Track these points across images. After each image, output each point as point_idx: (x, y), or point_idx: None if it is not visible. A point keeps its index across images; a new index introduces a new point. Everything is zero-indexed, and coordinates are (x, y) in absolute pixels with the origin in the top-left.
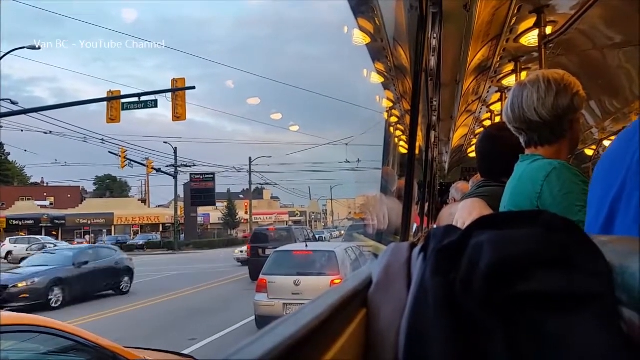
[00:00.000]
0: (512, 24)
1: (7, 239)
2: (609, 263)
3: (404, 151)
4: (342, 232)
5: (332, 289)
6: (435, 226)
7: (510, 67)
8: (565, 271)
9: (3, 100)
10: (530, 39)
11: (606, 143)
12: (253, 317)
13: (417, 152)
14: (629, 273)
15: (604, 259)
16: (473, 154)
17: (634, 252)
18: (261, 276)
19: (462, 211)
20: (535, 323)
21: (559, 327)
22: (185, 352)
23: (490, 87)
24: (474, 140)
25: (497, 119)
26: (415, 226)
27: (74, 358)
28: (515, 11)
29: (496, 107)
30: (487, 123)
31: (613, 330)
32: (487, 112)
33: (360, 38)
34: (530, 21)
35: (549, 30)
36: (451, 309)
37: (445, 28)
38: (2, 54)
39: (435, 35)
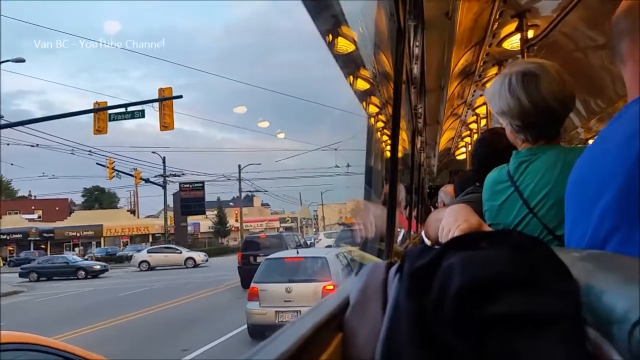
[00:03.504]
0: (494, 29)
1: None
2: (577, 282)
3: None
4: (321, 238)
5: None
6: (423, 232)
7: (494, 70)
8: (532, 292)
9: None
10: (513, 43)
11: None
12: (245, 326)
13: (400, 158)
14: (593, 293)
15: (572, 278)
16: (460, 157)
17: (600, 270)
18: (253, 284)
19: (448, 217)
20: (504, 345)
21: (526, 348)
22: None
23: (475, 91)
24: (461, 143)
25: (483, 122)
26: (403, 231)
27: None
28: (497, 16)
29: (481, 110)
30: (473, 126)
31: (578, 351)
32: (472, 115)
33: (343, 46)
34: (512, 25)
35: (530, 34)
36: (424, 333)
37: (427, 36)
38: None
39: (417, 44)
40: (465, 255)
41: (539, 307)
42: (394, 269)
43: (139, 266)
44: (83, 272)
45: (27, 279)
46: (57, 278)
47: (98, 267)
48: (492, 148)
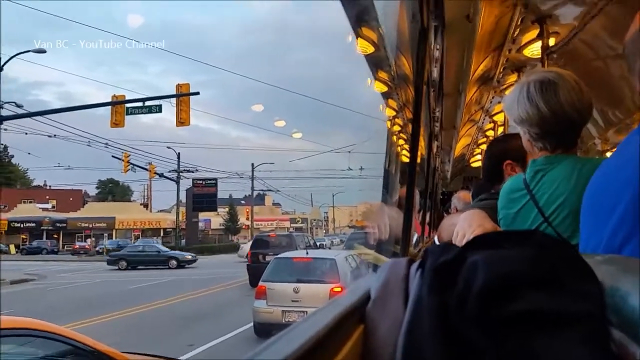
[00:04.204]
0: (514, 34)
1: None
2: (601, 283)
3: (406, 160)
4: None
5: (330, 303)
6: (436, 236)
7: (513, 77)
8: (555, 291)
9: (8, 103)
10: (534, 50)
11: (609, 154)
12: (251, 324)
13: (418, 161)
14: (619, 295)
15: (596, 280)
16: (475, 164)
17: (626, 272)
18: (261, 283)
19: (463, 222)
20: (526, 342)
21: (548, 346)
22: (183, 357)
23: (493, 98)
24: (477, 150)
25: (500, 130)
26: (416, 235)
27: None
28: (518, 22)
29: (499, 118)
30: (490, 133)
31: (600, 350)
32: (490, 122)
33: (363, 47)
34: (534, 32)
35: (552, 41)
36: (446, 328)
37: (447, 39)
38: (9, 57)
39: (437, 47)
40: (489, 253)
41: (561, 306)
42: (415, 265)
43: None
44: (175, 262)
45: (116, 267)
46: (147, 267)
47: (189, 257)
48: (494, 155)
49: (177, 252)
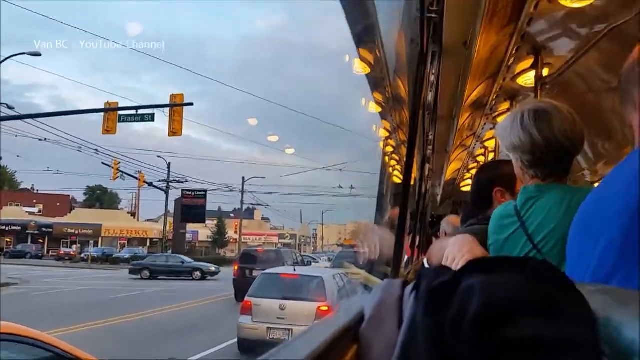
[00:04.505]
0: (510, 63)
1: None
2: (595, 313)
3: (398, 181)
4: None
5: (324, 322)
6: (425, 259)
7: (506, 105)
8: (551, 319)
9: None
10: (527, 79)
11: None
12: (235, 340)
13: (412, 184)
14: (612, 326)
15: (590, 309)
16: (465, 188)
17: (619, 304)
18: (247, 298)
19: (453, 247)
20: None
21: None
22: None
23: (485, 124)
24: (467, 175)
25: (491, 156)
26: (406, 257)
27: None
28: (514, 51)
29: (490, 144)
30: (481, 159)
31: None
32: (481, 148)
33: (360, 68)
34: (528, 62)
35: (545, 72)
36: (440, 351)
37: (444, 64)
38: (3, 58)
39: (434, 71)
40: (484, 277)
41: (556, 334)
42: (409, 287)
43: None
44: (199, 273)
45: (139, 276)
46: (168, 277)
47: (213, 269)
48: (484, 181)
49: (201, 263)
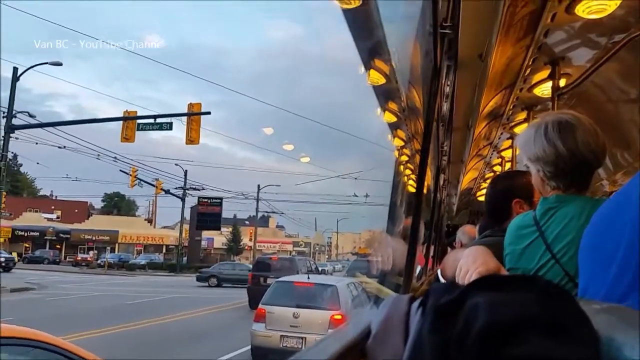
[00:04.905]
0: (526, 74)
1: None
2: (598, 333)
3: (413, 190)
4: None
5: (332, 336)
6: (439, 270)
7: (523, 115)
8: (556, 338)
9: (21, 112)
10: (544, 90)
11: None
12: (249, 347)
13: (425, 194)
14: (614, 345)
15: (593, 329)
16: (482, 198)
17: (622, 323)
18: (260, 305)
19: (467, 259)
20: None
21: None
22: None
23: (502, 134)
24: (484, 185)
25: (508, 165)
26: (419, 268)
27: None
28: (530, 62)
29: (507, 153)
30: (498, 168)
31: None
32: (497, 158)
33: (375, 78)
34: (545, 72)
35: (562, 82)
36: None
37: (459, 76)
38: (25, 68)
39: (449, 83)
40: (490, 295)
41: (562, 353)
42: (416, 303)
43: None
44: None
45: (206, 284)
46: (235, 285)
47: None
48: (501, 192)
49: None
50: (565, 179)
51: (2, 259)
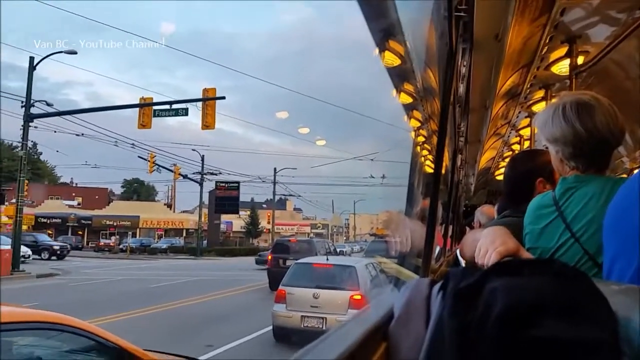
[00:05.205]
0: (543, 53)
1: None
2: (615, 314)
3: (430, 171)
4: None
5: (354, 319)
6: (458, 250)
7: (540, 93)
8: (572, 319)
9: (39, 101)
10: (562, 67)
11: (636, 172)
12: (270, 327)
13: (442, 174)
14: (632, 326)
15: (610, 310)
16: (500, 177)
17: (638, 304)
18: (281, 287)
19: (486, 239)
20: None
21: None
22: (202, 358)
23: (520, 112)
24: (502, 163)
25: (526, 144)
26: (438, 248)
27: (95, 357)
28: (547, 41)
29: (525, 132)
30: (516, 147)
31: None
32: (516, 136)
33: (390, 60)
34: (562, 50)
35: (580, 60)
36: (465, 349)
37: (475, 57)
38: (41, 58)
39: (465, 64)
40: (509, 279)
41: (578, 335)
42: (437, 287)
43: None
44: None
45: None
46: None
47: None
48: (524, 172)
49: None
50: (584, 159)
51: (57, 247)
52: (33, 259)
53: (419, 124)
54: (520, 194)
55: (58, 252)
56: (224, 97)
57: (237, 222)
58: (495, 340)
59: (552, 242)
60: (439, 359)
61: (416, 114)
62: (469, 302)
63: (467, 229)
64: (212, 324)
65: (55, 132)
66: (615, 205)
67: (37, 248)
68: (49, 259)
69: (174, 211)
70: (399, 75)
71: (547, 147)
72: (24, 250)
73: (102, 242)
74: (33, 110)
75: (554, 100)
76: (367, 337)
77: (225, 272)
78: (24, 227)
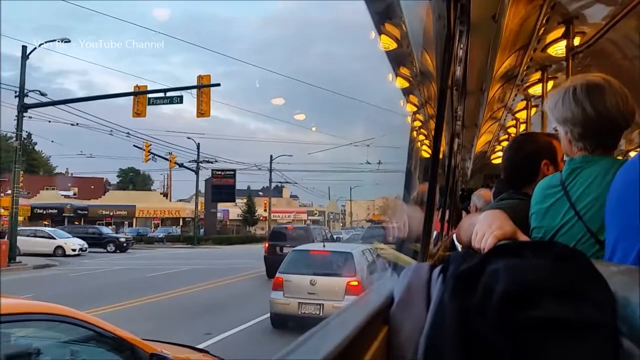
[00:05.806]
0: (540, 34)
1: None
2: (614, 294)
3: (427, 155)
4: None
5: (355, 304)
6: (454, 235)
7: (537, 75)
8: (571, 300)
9: (32, 91)
10: (558, 49)
11: (632, 154)
12: (268, 315)
13: (440, 159)
14: (630, 306)
15: (609, 291)
16: (496, 161)
17: (637, 284)
18: (278, 274)
19: (482, 223)
20: (542, 347)
21: (563, 352)
22: (201, 346)
23: (516, 95)
24: (498, 147)
25: (522, 127)
26: (435, 233)
27: (94, 348)
28: (544, 22)
29: (521, 115)
30: (512, 130)
31: (611, 358)
32: (512, 120)
33: (386, 43)
34: (559, 32)
35: (577, 41)
36: (466, 331)
37: (472, 39)
38: (34, 47)
39: (462, 46)
40: (509, 261)
41: (576, 315)
42: (437, 270)
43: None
44: None
45: None
46: None
47: None
48: (530, 154)
49: None
50: (593, 140)
51: (123, 239)
52: (90, 252)
53: (415, 109)
54: (522, 177)
55: (124, 244)
56: (218, 84)
57: (233, 210)
58: (495, 322)
59: (556, 221)
60: (440, 341)
61: (412, 98)
62: (470, 285)
63: (464, 213)
64: (210, 311)
65: (49, 122)
66: (617, 188)
67: (100, 241)
68: (115, 251)
69: (170, 200)
70: (396, 59)
71: (556, 130)
72: (80, 242)
73: None
74: (27, 100)
75: (551, 83)
76: (368, 321)
77: (222, 260)
78: (20, 219)
